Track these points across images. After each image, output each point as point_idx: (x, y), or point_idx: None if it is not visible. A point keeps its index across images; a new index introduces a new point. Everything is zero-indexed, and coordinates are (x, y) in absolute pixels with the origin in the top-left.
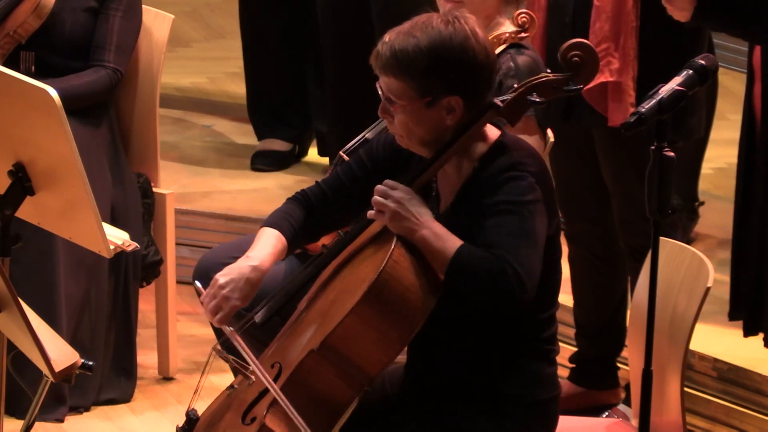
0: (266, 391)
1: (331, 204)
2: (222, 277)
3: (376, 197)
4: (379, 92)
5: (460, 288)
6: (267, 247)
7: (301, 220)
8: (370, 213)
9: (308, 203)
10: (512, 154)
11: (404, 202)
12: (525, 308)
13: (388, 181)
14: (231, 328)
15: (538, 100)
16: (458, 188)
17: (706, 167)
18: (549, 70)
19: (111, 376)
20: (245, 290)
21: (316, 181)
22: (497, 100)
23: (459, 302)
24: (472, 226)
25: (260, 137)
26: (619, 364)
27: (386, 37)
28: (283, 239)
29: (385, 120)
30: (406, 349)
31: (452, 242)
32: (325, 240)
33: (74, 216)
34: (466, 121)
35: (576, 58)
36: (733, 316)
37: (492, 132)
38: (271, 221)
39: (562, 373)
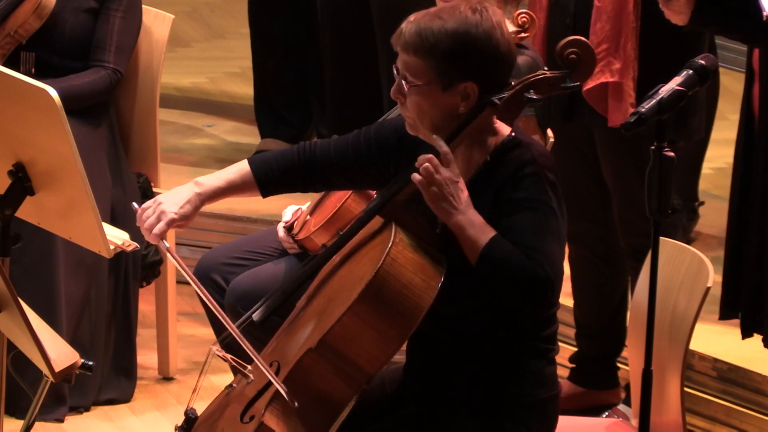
0: (264, 389)
1: (331, 166)
2: (162, 196)
3: (426, 169)
4: (395, 73)
5: (489, 281)
6: (220, 180)
7: (287, 168)
8: (415, 177)
9: (310, 156)
10: (529, 149)
11: (449, 184)
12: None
13: (434, 158)
14: (167, 245)
15: (535, 97)
16: (467, 179)
17: (706, 167)
18: (546, 68)
19: (111, 376)
20: (185, 208)
21: (330, 138)
22: (494, 98)
23: (480, 294)
24: (487, 217)
25: (263, 136)
26: (619, 364)
27: (411, 17)
28: (250, 179)
29: (397, 102)
30: (405, 348)
31: (486, 233)
32: (325, 239)
33: (74, 216)
34: (465, 115)
35: (573, 56)
36: (723, 316)
37: (503, 126)
38: (254, 159)
39: (562, 373)
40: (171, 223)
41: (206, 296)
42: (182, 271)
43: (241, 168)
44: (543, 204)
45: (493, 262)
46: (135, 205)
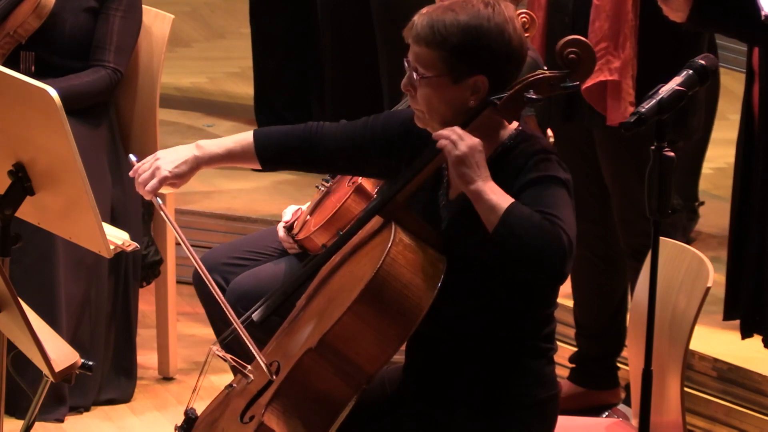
0: (264, 389)
1: (336, 147)
2: (162, 152)
3: (452, 135)
4: (405, 66)
5: (508, 247)
6: (220, 147)
7: (289, 145)
8: (441, 143)
9: (317, 136)
10: (538, 141)
11: (473, 152)
12: (524, 307)
13: (458, 128)
14: (160, 201)
15: (534, 97)
16: None
17: (706, 167)
18: (546, 68)
19: (111, 376)
20: (181, 168)
21: (340, 121)
22: (494, 98)
23: (481, 294)
24: None
25: None
26: (619, 364)
27: (424, 10)
28: (250, 149)
29: (407, 94)
30: (404, 349)
31: (506, 199)
32: (325, 239)
33: (74, 216)
34: (471, 111)
35: (572, 55)
36: (727, 317)
37: (509, 122)
38: (260, 131)
39: (563, 373)
40: (163, 181)
41: (199, 266)
42: (174, 231)
43: (244, 139)
44: (555, 179)
45: (514, 224)
46: (132, 156)
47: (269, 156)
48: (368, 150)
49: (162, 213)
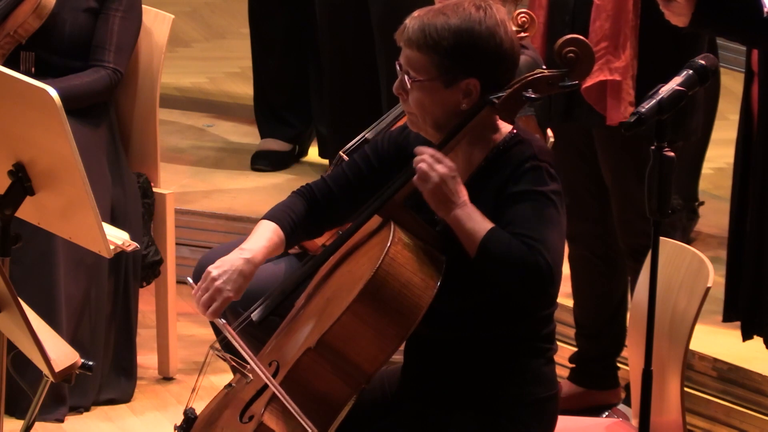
0: (264, 388)
1: (336, 199)
2: (215, 269)
3: (422, 166)
4: (397, 69)
5: (488, 273)
6: (261, 240)
7: (302, 214)
8: (415, 179)
9: (312, 197)
10: (531, 145)
11: (447, 180)
12: (526, 306)
13: (434, 152)
14: (223, 321)
15: (533, 96)
16: (468, 176)
17: (706, 167)
18: (545, 67)
19: (111, 376)
20: (238, 282)
21: (322, 176)
22: (492, 97)
23: (484, 289)
24: (487, 214)
25: (263, 136)
26: (619, 364)
27: (415, 13)
28: (280, 233)
29: (399, 98)
30: (403, 349)
31: (484, 226)
32: (324, 239)
33: (74, 216)
34: (466, 113)
35: (571, 54)
36: (727, 318)
37: (504, 124)
38: (271, 214)
39: (562, 373)
40: (227, 302)
41: (257, 364)
42: (241, 350)
43: (271, 226)
44: (542, 194)
45: (492, 252)
46: (189, 279)
47: (297, 231)
48: (368, 179)
49: (226, 333)
